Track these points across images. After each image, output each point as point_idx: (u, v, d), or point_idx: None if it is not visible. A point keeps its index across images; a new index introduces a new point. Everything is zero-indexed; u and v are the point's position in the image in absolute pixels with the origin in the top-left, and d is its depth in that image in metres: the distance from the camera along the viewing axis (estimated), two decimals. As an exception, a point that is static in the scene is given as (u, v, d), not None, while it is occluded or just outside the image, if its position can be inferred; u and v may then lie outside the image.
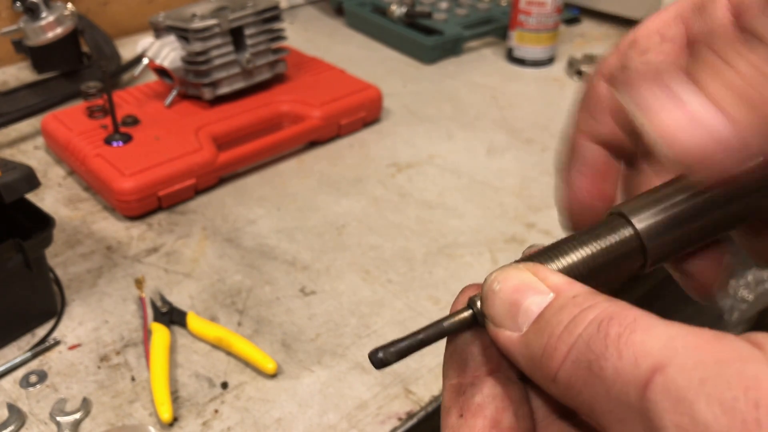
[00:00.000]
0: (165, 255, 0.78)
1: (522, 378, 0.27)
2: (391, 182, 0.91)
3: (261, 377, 0.64)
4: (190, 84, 0.96)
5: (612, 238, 0.26)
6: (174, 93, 0.97)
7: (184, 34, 0.93)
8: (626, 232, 0.26)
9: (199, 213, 0.85)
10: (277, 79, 1.04)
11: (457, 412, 0.26)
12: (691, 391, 0.19)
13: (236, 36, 0.95)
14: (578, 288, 0.24)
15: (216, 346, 0.66)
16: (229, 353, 0.66)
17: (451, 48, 1.24)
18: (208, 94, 0.95)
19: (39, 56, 1.08)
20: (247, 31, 0.95)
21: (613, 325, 0.21)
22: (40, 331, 0.68)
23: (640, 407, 0.20)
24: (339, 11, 1.42)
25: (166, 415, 0.59)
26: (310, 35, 1.35)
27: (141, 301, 0.70)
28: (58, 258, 0.77)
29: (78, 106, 0.97)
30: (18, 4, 1.03)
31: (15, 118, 0.98)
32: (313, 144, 0.99)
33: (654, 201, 0.26)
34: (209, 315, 0.70)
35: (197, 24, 0.91)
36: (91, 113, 0.94)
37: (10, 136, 1.01)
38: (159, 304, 0.70)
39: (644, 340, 0.20)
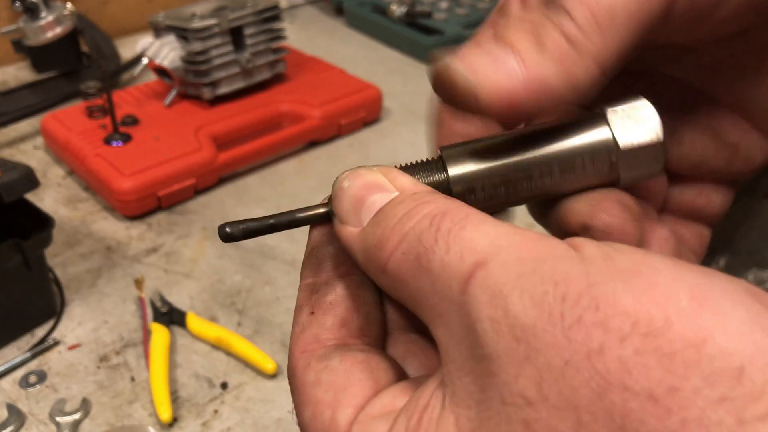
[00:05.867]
0: (164, 255, 0.78)
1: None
2: (391, 182, 0.91)
3: (261, 377, 0.63)
4: (189, 84, 0.96)
5: (430, 178, 0.27)
6: (173, 93, 0.97)
7: (183, 34, 0.93)
8: (441, 175, 0.27)
9: (198, 213, 0.85)
10: (277, 79, 1.03)
11: (309, 309, 0.27)
12: (507, 285, 0.19)
13: (236, 36, 0.95)
14: (421, 187, 0.24)
15: (216, 346, 0.66)
16: (228, 353, 0.66)
17: (451, 48, 1.24)
18: (207, 93, 0.95)
19: (38, 56, 1.08)
20: (247, 31, 0.95)
21: (446, 220, 0.22)
22: (40, 331, 0.68)
23: (459, 301, 0.20)
24: (339, 11, 1.42)
25: (165, 415, 0.58)
26: (310, 35, 1.34)
27: (140, 301, 0.70)
28: (57, 258, 0.77)
29: (77, 106, 0.97)
30: (18, 3, 1.03)
31: (15, 118, 0.98)
32: (313, 144, 0.98)
33: (474, 148, 0.27)
34: (209, 315, 0.70)
35: (197, 24, 0.91)
36: (90, 113, 0.94)
37: (9, 136, 1.01)
38: (159, 304, 0.69)
39: (472, 236, 0.21)
